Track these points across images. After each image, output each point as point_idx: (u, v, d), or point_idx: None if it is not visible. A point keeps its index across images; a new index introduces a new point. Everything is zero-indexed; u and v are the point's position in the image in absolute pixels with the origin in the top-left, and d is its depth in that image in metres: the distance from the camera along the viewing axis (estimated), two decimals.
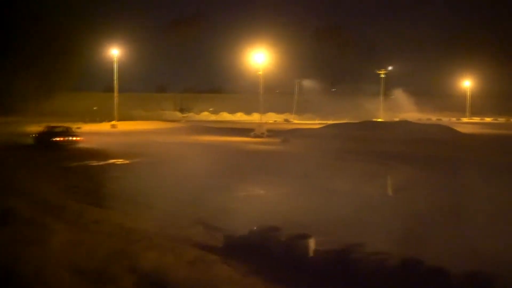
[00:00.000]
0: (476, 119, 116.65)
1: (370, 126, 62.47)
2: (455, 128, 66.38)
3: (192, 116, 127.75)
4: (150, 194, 18.48)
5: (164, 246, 10.09)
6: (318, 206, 17.76)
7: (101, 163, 29.20)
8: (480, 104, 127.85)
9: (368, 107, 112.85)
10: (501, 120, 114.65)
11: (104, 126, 78.62)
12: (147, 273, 8.32)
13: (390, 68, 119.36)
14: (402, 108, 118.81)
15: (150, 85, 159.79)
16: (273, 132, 56.73)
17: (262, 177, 24.01)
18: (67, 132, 41.03)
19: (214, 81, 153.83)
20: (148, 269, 8.46)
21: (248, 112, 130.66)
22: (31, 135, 41.29)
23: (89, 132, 63.03)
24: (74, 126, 71.31)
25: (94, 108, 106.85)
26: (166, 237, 11.53)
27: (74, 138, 39.76)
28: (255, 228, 12.82)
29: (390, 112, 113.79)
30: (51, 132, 40.65)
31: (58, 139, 38.87)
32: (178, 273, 8.85)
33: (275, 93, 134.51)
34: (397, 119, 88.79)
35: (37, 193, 13.54)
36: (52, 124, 44.14)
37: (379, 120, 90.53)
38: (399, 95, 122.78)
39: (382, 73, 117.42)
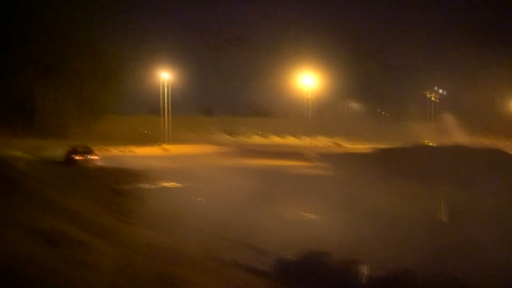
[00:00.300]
0: None
1: (422, 150, 61.47)
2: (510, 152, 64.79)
3: (242, 139, 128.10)
4: (200, 218, 18.51)
5: (214, 270, 10.03)
6: (368, 231, 17.52)
7: (153, 186, 29.44)
8: None
9: (416, 130, 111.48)
10: None
11: (156, 150, 79.42)
12: None
13: (440, 91, 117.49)
14: (451, 131, 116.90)
15: (197, 108, 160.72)
16: (323, 156, 56.40)
17: (312, 201, 23.84)
18: (86, 151, 46.29)
19: (262, 104, 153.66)
20: None
21: (297, 135, 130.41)
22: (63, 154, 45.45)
23: (142, 156, 63.91)
24: (126, 150, 72.70)
25: (145, 131, 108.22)
26: (216, 261, 11.47)
27: (91, 157, 45.30)
28: (305, 252, 12.69)
29: (440, 136, 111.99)
30: (74, 151, 45.33)
31: (77, 157, 44.05)
32: None
33: (324, 116, 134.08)
34: (449, 143, 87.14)
35: (88, 216, 13.67)
36: (76, 145, 48.41)
37: (431, 144, 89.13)
38: (448, 117, 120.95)
39: (432, 96, 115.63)
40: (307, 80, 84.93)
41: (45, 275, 6.25)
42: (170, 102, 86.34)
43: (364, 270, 11.17)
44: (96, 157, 45.90)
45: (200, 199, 24.20)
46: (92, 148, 48.78)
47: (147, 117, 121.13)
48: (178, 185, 30.21)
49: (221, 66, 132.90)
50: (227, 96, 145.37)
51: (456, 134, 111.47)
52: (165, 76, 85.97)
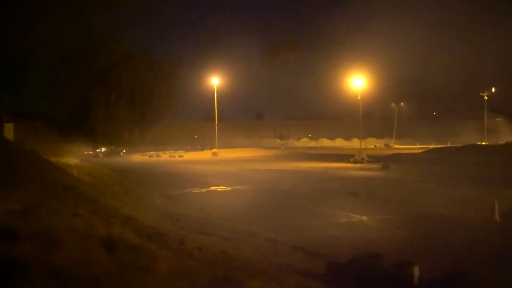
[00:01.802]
0: None
1: (473, 150, 60.52)
2: None
3: (291, 142, 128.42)
4: (251, 220, 18.67)
5: (267, 273, 10.13)
6: (421, 233, 17.41)
7: (202, 190, 29.78)
8: None
9: (467, 129, 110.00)
10: None
11: (206, 154, 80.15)
12: None
13: (493, 89, 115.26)
14: (504, 131, 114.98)
15: (248, 113, 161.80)
16: (373, 158, 56.07)
17: (363, 203, 23.79)
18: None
19: (312, 108, 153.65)
20: None
21: (347, 137, 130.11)
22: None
23: (191, 160, 64.56)
24: (176, 154, 73.63)
25: (196, 136, 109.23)
26: (268, 264, 11.57)
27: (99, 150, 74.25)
28: (357, 254, 12.68)
29: (494, 135, 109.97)
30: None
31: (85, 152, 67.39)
32: None
33: (374, 118, 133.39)
34: (502, 142, 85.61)
35: (142, 221, 13.92)
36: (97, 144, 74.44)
37: (483, 143, 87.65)
38: (501, 117, 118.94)
39: (485, 95, 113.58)
40: (357, 83, 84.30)
41: (103, 279, 6.45)
42: (217, 107, 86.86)
43: (417, 272, 11.11)
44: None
45: (250, 202, 24.37)
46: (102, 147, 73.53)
47: (199, 123, 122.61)
48: (227, 188, 30.52)
49: (273, 70, 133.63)
50: (279, 100, 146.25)
51: (508, 134, 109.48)
52: (214, 82, 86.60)
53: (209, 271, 8.91)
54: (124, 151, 77.13)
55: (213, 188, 30.75)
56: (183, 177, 38.37)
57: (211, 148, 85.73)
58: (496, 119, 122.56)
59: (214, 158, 74.63)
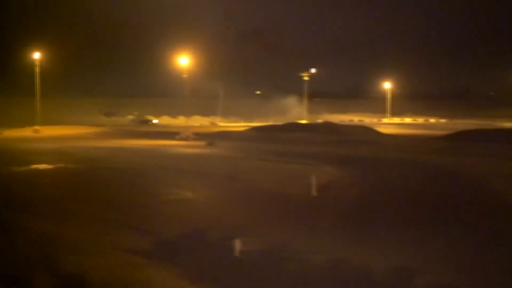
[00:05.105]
0: (396, 120, 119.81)
1: (294, 128, 63.14)
2: (376, 128, 68.30)
3: (117, 120, 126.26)
4: (76, 199, 18.30)
5: (94, 251, 10.06)
6: (247, 208, 17.96)
7: (23, 168, 28.47)
8: (403, 105, 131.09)
9: (291, 109, 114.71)
10: (420, 120, 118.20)
11: (26, 132, 76.56)
12: (71, 276, 8.28)
13: (313, 70, 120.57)
14: (324, 110, 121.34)
15: (75, 90, 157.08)
16: (199, 135, 56.65)
17: (189, 180, 24.04)
18: None
19: (140, 86, 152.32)
20: (73, 272, 8.42)
21: (173, 115, 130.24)
22: None
23: (10, 138, 61.47)
24: None
25: (16, 112, 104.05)
26: (96, 242, 11.47)
27: None
28: (185, 230, 12.93)
29: (314, 114, 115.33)
30: None
31: None
32: (107, 277, 8.84)
33: (200, 97, 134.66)
34: (320, 121, 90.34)
35: None
36: None
37: (303, 121, 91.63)
38: (321, 97, 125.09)
39: (305, 76, 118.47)
40: (183, 61, 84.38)
41: None
42: (39, 82, 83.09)
43: (239, 245, 11.62)
44: None
45: (75, 181, 23.81)
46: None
47: (20, 99, 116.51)
48: (49, 166, 29.42)
49: (103, 48, 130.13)
50: (106, 79, 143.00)
51: (328, 113, 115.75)
52: (36, 56, 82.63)
53: (32, 250, 8.70)
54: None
55: (33, 166, 29.45)
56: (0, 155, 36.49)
57: (32, 125, 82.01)
58: (315, 99, 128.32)
59: (35, 135, 71.54)
